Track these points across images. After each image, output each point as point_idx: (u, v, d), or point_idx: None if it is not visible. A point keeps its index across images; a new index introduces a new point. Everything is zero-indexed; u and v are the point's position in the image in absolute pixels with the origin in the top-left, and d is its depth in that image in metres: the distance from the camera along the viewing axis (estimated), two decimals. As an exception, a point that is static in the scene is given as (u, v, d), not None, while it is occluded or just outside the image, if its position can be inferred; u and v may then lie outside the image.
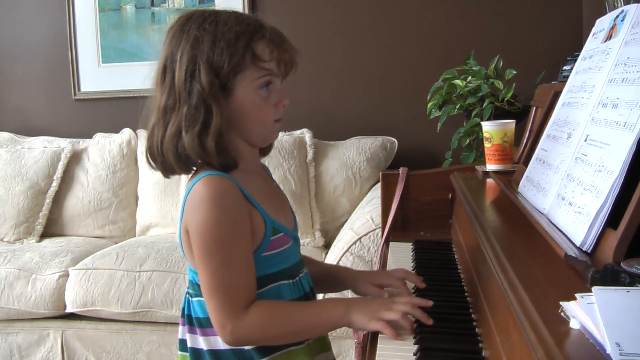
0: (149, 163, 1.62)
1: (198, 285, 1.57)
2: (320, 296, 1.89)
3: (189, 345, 1.63)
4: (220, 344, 1.56)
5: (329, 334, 1.78)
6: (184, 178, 3.79)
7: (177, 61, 1.53)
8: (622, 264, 1.04)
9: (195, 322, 1.61)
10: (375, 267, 2.35)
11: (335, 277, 1.87)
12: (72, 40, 4.71)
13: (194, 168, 1.57)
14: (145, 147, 1.62)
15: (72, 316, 3.52)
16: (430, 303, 1.54)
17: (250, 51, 1.52)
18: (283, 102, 1.61)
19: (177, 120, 1.51)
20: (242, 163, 1.58)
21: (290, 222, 1.71)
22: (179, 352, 1.68)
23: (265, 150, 1.78)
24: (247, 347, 1.56)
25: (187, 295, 1.65)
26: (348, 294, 1.89)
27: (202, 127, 1.49)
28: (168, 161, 1.54)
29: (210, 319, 1.51)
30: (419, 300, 1.56)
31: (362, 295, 1.79)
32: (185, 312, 1.65)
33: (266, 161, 1.85)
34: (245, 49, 1.51)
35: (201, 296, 1.56)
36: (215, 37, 1.51)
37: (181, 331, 1.67)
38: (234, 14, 1.58)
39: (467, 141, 3.31)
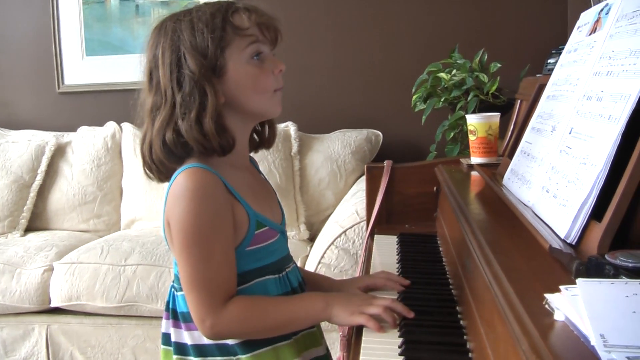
0: (146, 174, 1.62)
1: None
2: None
3: (173, 339, 1.62)
4: (204, 338, 1.55)
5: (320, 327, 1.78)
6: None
7: (159, 59, 1.53)
8: (606, 256, 1.04)
9: (179, 317, 1.61)
10: (360, 260, 2.34)
11: (323, 286, 1.84)
12: (56, 33, 4.68)
13: (185, 157, 1.55)
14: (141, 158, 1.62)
15: (57, 311, 3.50)
16: (411, 314, 1.53)
17: (229, 24, 1.52)
18: (279, 67, 1.60)
19: (164, 113, 1.51)
20: (231, 155, 1.57)
21: (277, 216, 1.70)
22: (162, 346, 1.68)
23: (267, 142, 1.78)
24: (231, 342, 1.55)
25: (172, 289, 1.65)
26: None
27: (198, 111, 1.49)
28: (157, 159, 1.54)
29: (190, 312, 1.51)
30: (400, 305, 1.56)
31: None
32: (170, 306, 1.64)
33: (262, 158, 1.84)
34: (224, 23, 1.52)
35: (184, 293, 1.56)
36: (192, 22, 1.52)
37: (165, 325, 1.66)
38: (205, 3, 1.59)
39: (452, 134, 3.31)
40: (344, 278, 2.16)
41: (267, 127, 1.76)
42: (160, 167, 1.56)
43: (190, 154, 1.53)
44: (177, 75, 1.50)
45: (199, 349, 1.58)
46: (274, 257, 1.63)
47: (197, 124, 1.49)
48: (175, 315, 1.62)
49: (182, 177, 1.49)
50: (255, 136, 1.75)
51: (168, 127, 1.50)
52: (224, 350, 1.56)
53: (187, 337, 1.59)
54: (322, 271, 2.90)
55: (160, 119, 1.51)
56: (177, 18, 1.55)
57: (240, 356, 1.56)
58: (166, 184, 1.57)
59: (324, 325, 1.77)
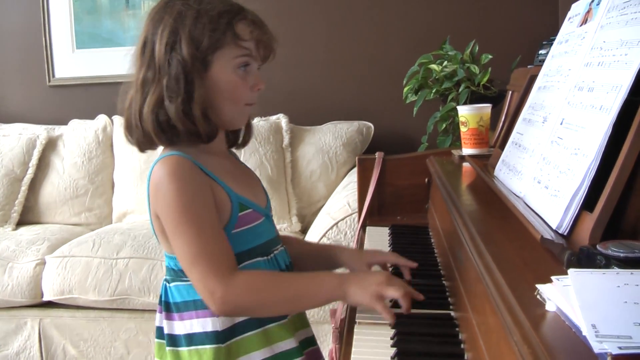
0: (126, 136, 1.62)
1: (174, 271, 1.58)
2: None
3: (165, 332, 1.62)
4: (195, 327, 1.56)
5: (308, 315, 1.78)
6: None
7: (158, 34, 1.54)
8: (598, 246, 1.04)
9: (172, 307, 1.60)
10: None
11: (329, 255, 1.83)
12: (46, 26, 4.66)
13: (173, 138, 1.55)
14: (123, 121, 1.62)
15: (50, 304, 3.50)
16: (421, 297, 1.52)
17: (231, 29, 1.54)
18: (259, 85, 1.62)
19: (158, 91, 1.52)
20: (204, 144, 1.59)
21: (261, 200, 1.71)
22: (156, 340, 1.68)
23: (243, 141, 1.79)
24: (220, 329, 1.55)
25: (165, 282, 1.65)
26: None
27: (185, 98, 1.50)
28: (146, 132, 1.54)
29: (198, 291, 1.49)
30: (415, 292, 1.54)
31: (352, 270, 1.76)
32: (163, 299, 1.64)
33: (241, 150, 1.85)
34: (227, 26, 1.54)
35: (178, 281, 1.57)
36: (199, 13, 1.53)
37: (158, 319, 1.66)
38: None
39: (443, 125, 3.31)
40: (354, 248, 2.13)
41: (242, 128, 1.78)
42: (145, 138, 1.57)
43: (178, 135, 1.53)
44: (170, 56, 1.52)
45: (189, 338, 1.57)
46: (262, 240, 1.63)
47: (184, 110, 1.50)
48: (168, 307, 1.62)
49: (158, 166, 1.51)
50: (230, 134, 1.76)
51: (161, 107, 1.51)
52: (213, 337, 1.55)
53: (179, 328, 1.59)
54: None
55: (154, 97, 1.52)
56: (186, 2, 1.55)
57: (230, 342, 1.56)
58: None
59: (316, 317, 1.77)
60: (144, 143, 1.60)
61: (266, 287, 1.50)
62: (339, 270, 1.75)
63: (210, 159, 1.58)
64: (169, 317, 1.62)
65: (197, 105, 1.51)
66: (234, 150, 1.82)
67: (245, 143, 1.80)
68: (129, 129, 1.60)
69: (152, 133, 1.53)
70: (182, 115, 1.50)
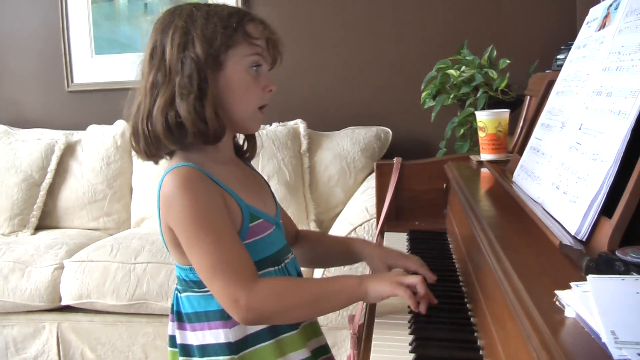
0: (132, 144, 1.63)
1: (185, 281, 1.59)
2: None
3: (178, 341, 1.63)
4: (208, 338, 1.56)
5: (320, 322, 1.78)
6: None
7: (168, 37, 1.55)
8: (616, 252, 1.04)
9: (184, 318, 1.61)
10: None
11: (352, 249, 1.84)
12: (65, 31, 4.69)
13: (181, 140, 1.55)
14: (129, 127, 1.63)
15: (68, 308, 3.51)
16: (435, 301, 1.52)
17: (242, 28, 1.57)
18: (270, 87, 1.63)
19: (169, 91, 1.53)
20: (214, 152, 1.60)
21: (271, 208, 1.71)
22: (169, 349, 1.69)
23: (249, 154, 1.80)
24: (232, 340, 1.55)
25: (176, 292, 1.65)
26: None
27: (197, 95, 1.51)
28: (155, 134, 1.54)
29: (220, 302, 1.49)
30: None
31: (373, 269, 1.77)
32: (174, 309, 1.65)
33: (259, 154, 1.85)
34: (238, 25, 1.56)
35: (190, 291, 1.58)
36: (209, 13, 1.56)
37: (170, 327, 1.67)
38: (224, 4, 1.64)
39: (461, 131, 3.31)
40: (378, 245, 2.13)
41: (246, 140, 1.79)
42: (152, 142, 1.56)
43: (186, 137, 1.53)
44: (182, 56, 1.53)
45: (203, 349, 1.58)
46: (272, 249, 1.64)
47: (196, 108, 1.51)
48: (180, 317, 1.62)
49: (168, 178, 1.51)
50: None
51: (171, 108, 1.52)
52: (226, 348, 1.55)
53: (191, 338, 1.60)
54: (331, 269, 2.89)
55: (164, 98, 1.52)
56: (195, 6, 1.58)
57: (243, 353, 1.56)
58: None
59: (334, 322, 1.77)
60: (150, 149, 1.59)
61: (289, 291, 1.50)
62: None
63: (219, 167, 1.59)
64: (180, 327, 1.62)
65: (209, 102, 1.52)
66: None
67: (251, 157, 1.81)
68: (135, 135, 1.60)
69: (160, 135, 1.53)
70: (193, 113, 1.50)
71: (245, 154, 1.79)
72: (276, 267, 1.63)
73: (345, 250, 1.87)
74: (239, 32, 1.56)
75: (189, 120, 1.50)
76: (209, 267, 1.47)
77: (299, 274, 1.73)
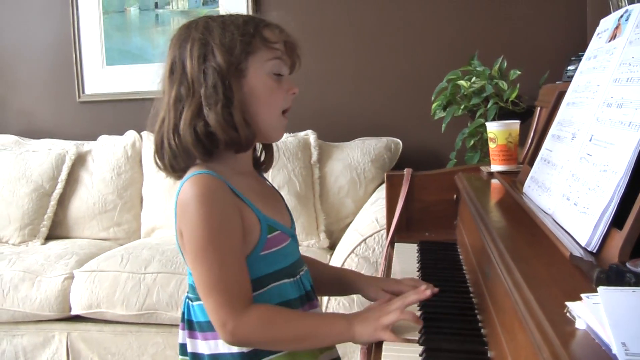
0: (156, 161, 1.63)
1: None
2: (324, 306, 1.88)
3: (189, 350, 1.63)
4: (220, 347, 1.56)
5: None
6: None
7: (187, 51, 1.56)
8: (627, 264, 1.03)
9: (196, 326, 1.61)
10: (381, 268, 2.34)
11: (345, 281, 1.86)
12: (76, 42, 4.72)
13: (212, 149, 1.56)
14: (153, 145, 1.62)
15: (77, 318, 3.51)
16: (430, 292, 1.54)
17: (259, 34, 1.58)
18: (293, 89, 1.64)
19: (194, 104, 1.53)
20: (234, 162, 1.61)
21: (287, 220, 1.72)
22: (180, 357, 1.69)
23: (266, 165, 1.80)
24: (246, 350, 1.55)
25: (187, 300, 1.65)
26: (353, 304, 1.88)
27: (224, 103, 1.52)
28: (184, 146, 1.54)
29: (210, 318, 1.51)
30: (414, 296, 1.57)
31: (372, 300, 1.77)
32: (185, 317, 1.65)
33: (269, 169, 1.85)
34: (255, 31, 1.57)
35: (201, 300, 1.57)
36: (224, 23, 1.57)
37: (181, 336, 1.67)
38: (237, 13, 1.64)
39: (472, 142, 3.31)
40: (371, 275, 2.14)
41: (263, 151, 1.80)
42: (181, 154, 1.56)
43: (217, 146, 1.54)
44: (204, 67, 1.53)
45: (214, 359, 1.58)
46: (288, 261, 1.64)
47: (224, 116, 1.51)
48: (191, 326, 1.62)
49: (188, 185, 1.51)
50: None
51: (199, 119, 1.52)
52: (239, 358, 1.56)
53: (203, 347, 1.60)
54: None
55: (190, 110, 1.53)
56: (209, 18, 1.59)
57: None
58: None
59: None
60: (177, 163, 1.58)
61: (276, 325, 1.51)
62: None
63: (239, 179, 1.59)
64: (192, 336, 1.62)
65: (237, 109, 1.52)
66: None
67: (267, 168, 1.81)
68: (159, 151, 1.60)
69: (190, 146, 1.53)
70: (222, 122, 1.51)
71: (262, 165, 1.79)
72: (291, 279, 1.63)
73: (338, 282, 1.88)
74: (257, 37, 1.56)
75: (219, 128, 1.51)
76: (206, 284, 1.49)
77: (312, 288, 1.73)
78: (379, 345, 1.50)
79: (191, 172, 1.54)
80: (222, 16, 1.60)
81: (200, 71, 1.53)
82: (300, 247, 1.76)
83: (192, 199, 1.48)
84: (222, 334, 1.49)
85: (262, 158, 1.79)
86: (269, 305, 1.55)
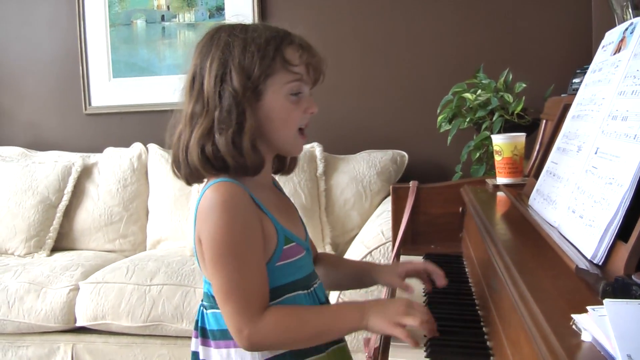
0: (174, 171, 1.63)
1: (213, 298, 1.57)
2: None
3: (201, 357, 1.63)
4: (232, 356, 1.56)
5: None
6: (194, 192, 3.80)
7: (206, 67, 1.55)
8: (633, 277, 1.03)
9: (209, 334, 1.61)
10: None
11: (365, 273, 1.88)
12: (83, 55, 4.73)
13: (221, 170, 1.55)
14: (171, 155, 1.63)
15: (83, 330, 3.52)
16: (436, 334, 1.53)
17: (280, 55, 1.56)
18: (311, 109, 1.64)
19: (206, 123, 1.53)
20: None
21: (301, 233, 1.72)
22: None
23: (289, 168, 1.80)
24: (258, 359, 1.55)
25: (202, 308, 1.65)
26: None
27: (236, 129, 1.51)
28: (192, 164, 1.54)
29: (227, 324, 1.51)
30: (433, 323, 1.55)
31: (389, 286, 1.80)
32: (199, 325, 1.65)
33: (276, 177, 1.85)
34: (276, 53, 1.55)
35: (216, 308, 1.56)
36: (246, 42, 1.55)
37: (194, 343, 1.67)
38: (262, 23, 1.63)
39: (477, 154, 3.31)
40: (382, 263, 2.15)
41: (288, 157, 1.79)
42: (193, 170, 1.57)
43: (226, 168, 1.54)
44: (220, 88, 1.53)
45: None
46: (302, 273, 1.64)
47: (234, 142, 1.51)
48: (204, 334, 1.62)
49: (210, 191, 1.51)
50: (276, 160, 1.76)
51: (208, 139, 1.52)
52: None
53: (215, 356, 1.60)
54: (347, 292, 2.89)
55: (201, 129, 1.53)
56: (232, 32, 1.57)
57: None
58: (192, 204, 1.58)
59: (350, 345, 1.77)
60: (191, 176, 1.60)
61: (292, 325, 1.52)
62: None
63: (259, 190, 1.59)
64: (205, 343, 1.62)
65: (247, 136, 1.52)
66: (276, 177, 1.83)
67: (290, 170, 1.81)
68: (176, 163, 1.61)
69: (197, 165, 1.53)
70: (231, 148, 1.50)
71: (284, 167, 1.79)
72: (306, 291, 1.63)
73: (359, 275, 1.89)
74: (277, 60, 1.55)
75: (228, 155, 1.51)
76: (225, 291, 1.49)
77: (327, 299, 1.73)
78: (384, 356, 1.50)
79: (214, 180, 1.54)
80: (246, 30, 1.57)
81: (216, 92, 1.53)
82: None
83: (215, 205, 1.49)
84: (239, 340, 1.49)
85: (287, 161, 1.79)
86: (283, 307, 1.55)
